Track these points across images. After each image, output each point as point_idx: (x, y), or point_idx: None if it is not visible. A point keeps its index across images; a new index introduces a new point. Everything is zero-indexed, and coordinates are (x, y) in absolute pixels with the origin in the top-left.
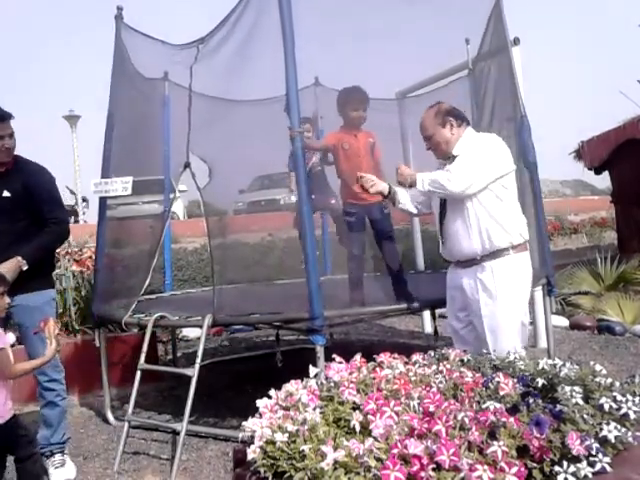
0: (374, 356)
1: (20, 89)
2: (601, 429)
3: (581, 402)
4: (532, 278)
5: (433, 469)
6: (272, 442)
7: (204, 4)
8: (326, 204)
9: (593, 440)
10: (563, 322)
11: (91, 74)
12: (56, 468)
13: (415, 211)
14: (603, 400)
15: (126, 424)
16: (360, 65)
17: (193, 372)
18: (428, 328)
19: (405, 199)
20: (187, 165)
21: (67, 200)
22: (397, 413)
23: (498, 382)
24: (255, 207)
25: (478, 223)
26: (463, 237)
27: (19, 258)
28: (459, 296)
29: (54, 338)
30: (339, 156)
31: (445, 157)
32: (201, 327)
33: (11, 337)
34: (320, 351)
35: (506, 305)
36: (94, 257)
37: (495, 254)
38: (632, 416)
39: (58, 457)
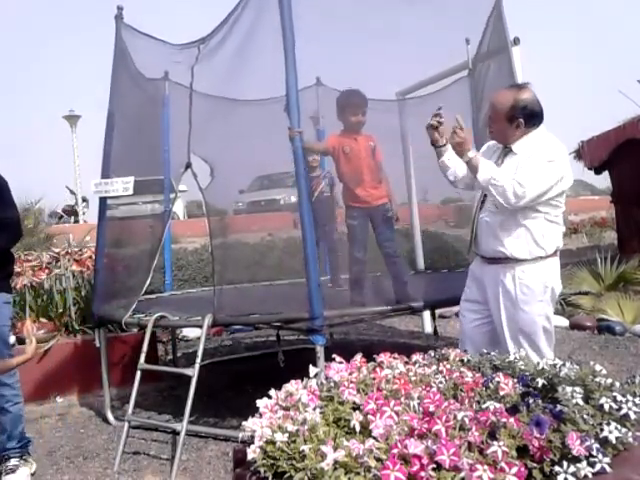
0: (374, 356)
1: (20, 89)
2: (602, 429)
3: (581, 402)
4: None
5: (433, 469)
6: (272, 442)
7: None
8: (327, 238)
9: (593, 440)
10: (563, 322)
11: (91, 74)
12: (6, 474)
13: (461, 176)
14: (603, 400)
15: (126, 424)
16: (360, 65)
17: (193, 372)
18: (428, 328)
19: (461, 169)
20: (188, 165)
21: (67, 200)
22: (397, 413)
23: (498, 382)
24: (255, 207)
25: (520, 227)
26: (500, 234)
27: None
28: (481, 288)
29: (33, 337)
30: (340, 159)
31: (500, 143)
32: (201, 327)
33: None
34: (320, 351)
35: (525, 312)
36: (94, 257)
37: (524, 261)
38: (632, 416)
39: (12, 462)
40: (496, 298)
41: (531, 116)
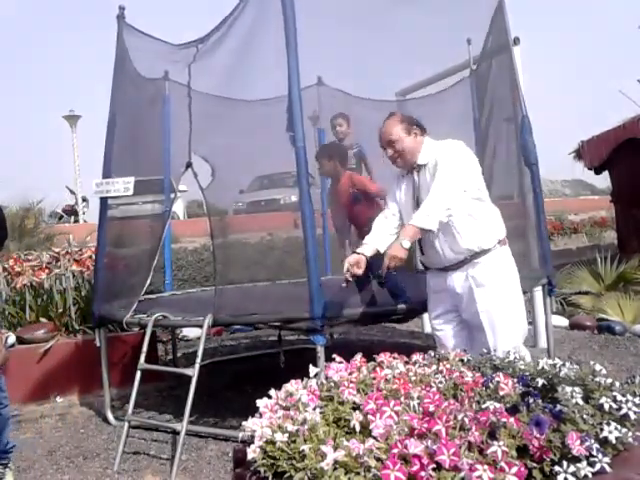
0: (374, 356)
1: (20, 89)
2: (601, 429)
3: (581, 402)
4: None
5: (433, 469)
6: (272, 442)
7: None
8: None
9: (593, 440)
10: (563, 322)
11: (91, 74)
12: None
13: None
14: (603, 400)
15: (126, 424)
16: (360, 65)
17: (193, 372)
18: (428, 328)
19: (386, 244)
20: (189, 165)
21: (67, 200)
22: (397, 413)
23: (498, 382)
24: (255, 207)
25: (463, 229)
26: (450, 245)
27: None
28: (447, 297)
29: (2, 346)
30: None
31: (407, 166)
32: (201, 327)
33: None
34: (320, 351)
35: (502, 297)
36: (94, 257)
37: (484, 251)
38: (632, 416)
39: None
40: (469, 294)
41: (419, 125)
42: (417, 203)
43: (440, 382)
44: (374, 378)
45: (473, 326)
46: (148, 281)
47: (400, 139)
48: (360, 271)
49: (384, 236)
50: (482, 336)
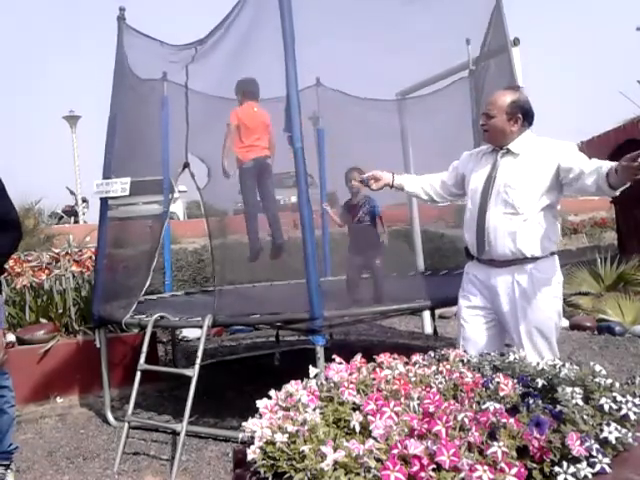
0: (374, 356)
1: (20, 89)
2: (601, 430)
3: (581, 403)
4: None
5: (433, 469)
6: (272, 443)
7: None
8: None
9: (593, 441)
10: (563, 322)
11: (91, 74)
12: None
13: (425, 197)
14: (603, 401)
15: (126, 424)
16: (360, 65)
17: (193, 372)
18: (428, 329)
19: (413, 186)
20: (186, 165)
21: (67, 200)
22: (397, 414)
23: (498, 383)
24: None
25: (535, 225)
26: (519, 235)
27: None
28: (489, 294)
29: (1, 349)
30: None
31: (493, 143)
32: (201, 327)
33: (10, 337)
34: (320, 351)
35: (542, 310)
36: (94, 257)
37: (538, 258)
38: (632, 417)
39: None
40: (511, 300)
41: (527, 115)
42: (490, 184)
43: (440, 383)
44: (374, 379)
45: (506, 329)
46: (148, 282)
47: (498, 117)
48: (374, 186)
49: (418, 181)
50: (517, 344)
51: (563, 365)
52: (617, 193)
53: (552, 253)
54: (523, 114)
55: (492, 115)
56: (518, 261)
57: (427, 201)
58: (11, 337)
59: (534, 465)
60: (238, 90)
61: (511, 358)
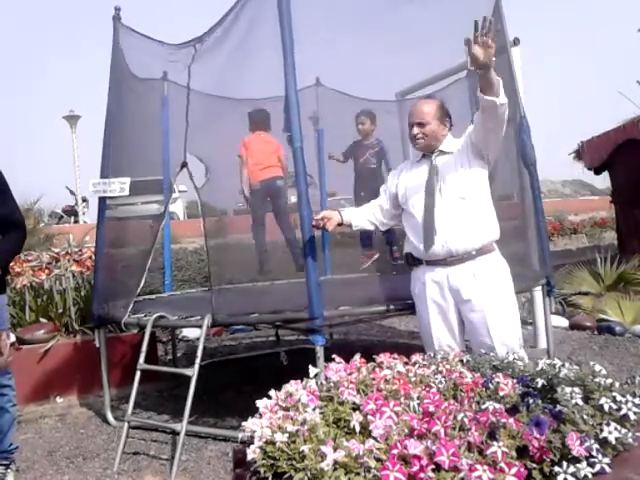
0: (374, 356)
1: (20, 89)
2: (601, 430)
3: (581, 403)
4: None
5: (433, 469)
6: (272, 442)
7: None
8: None
9: (593, 441)
10: (563, 322)
11: (91, 74)
12: None
13: (372, 228)
14: (603, 401)
15: (126, 424)
16: (360, 65)
17: (193, 372)
18: None
19: (359, 220)
20: (184, 165)
21: (67, 200)
22: (397, 413)
23: (498, 382)
24: None
25: (479, 217)
26: (464, 231)
27: None
28: (447, 302)
29: (6, 350)
30: None
31: (427, 150)
32: (201, 327)
33: (11, 337)
34: (320, 351)
35: (504, 297)
36: (94, 257)
37: (486, 249)
38: (632, 417)
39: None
40: (472, 293)
41: (450, 116)
42: (434, 182)
43: (440, 382)
44: (374, 378)
45: (476, 324)
46: (142, 281)
47: (432, 123)
48: (328, 227)
49: (363, 214)
50: (478, 335)
51: (563, 365)
52: (496, 98)
53: (495, 242)
54: (448, 117)
55: (425, 123)
56: (470, 255)
57: (374, 231)
58: (11, 337)
59: (534, 465)
60: (250, 120)
61: (510, 358)
